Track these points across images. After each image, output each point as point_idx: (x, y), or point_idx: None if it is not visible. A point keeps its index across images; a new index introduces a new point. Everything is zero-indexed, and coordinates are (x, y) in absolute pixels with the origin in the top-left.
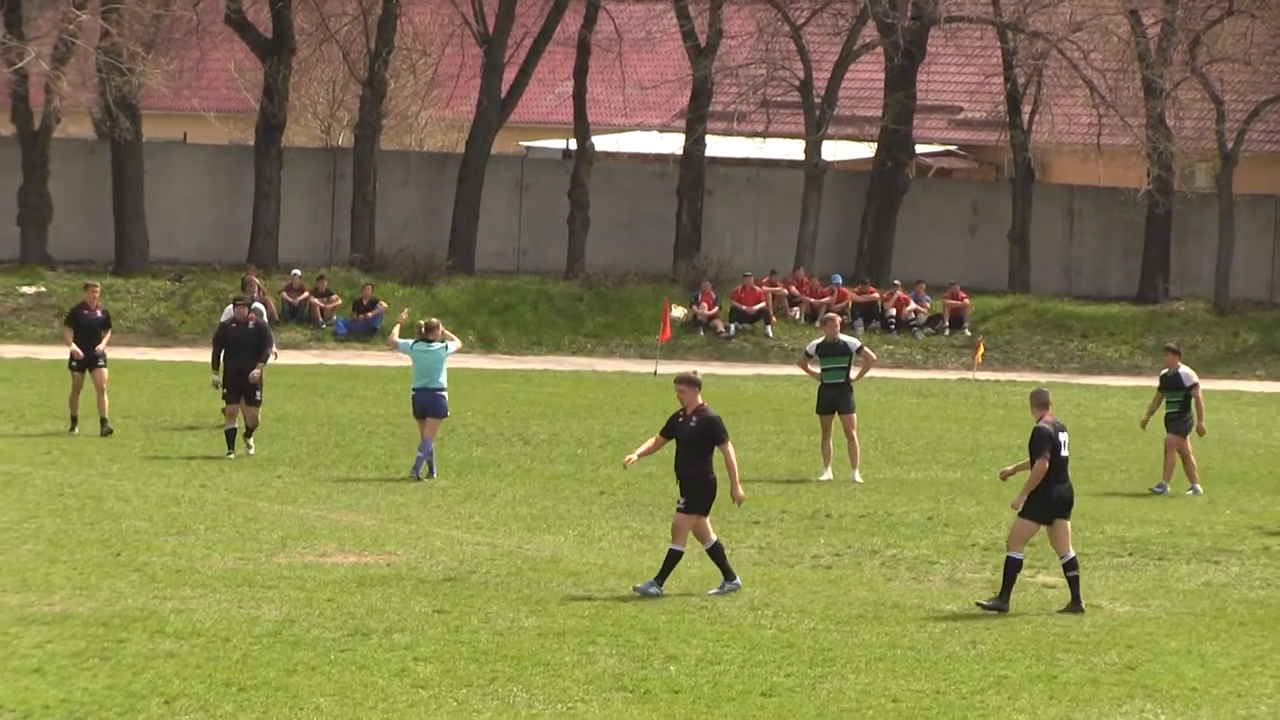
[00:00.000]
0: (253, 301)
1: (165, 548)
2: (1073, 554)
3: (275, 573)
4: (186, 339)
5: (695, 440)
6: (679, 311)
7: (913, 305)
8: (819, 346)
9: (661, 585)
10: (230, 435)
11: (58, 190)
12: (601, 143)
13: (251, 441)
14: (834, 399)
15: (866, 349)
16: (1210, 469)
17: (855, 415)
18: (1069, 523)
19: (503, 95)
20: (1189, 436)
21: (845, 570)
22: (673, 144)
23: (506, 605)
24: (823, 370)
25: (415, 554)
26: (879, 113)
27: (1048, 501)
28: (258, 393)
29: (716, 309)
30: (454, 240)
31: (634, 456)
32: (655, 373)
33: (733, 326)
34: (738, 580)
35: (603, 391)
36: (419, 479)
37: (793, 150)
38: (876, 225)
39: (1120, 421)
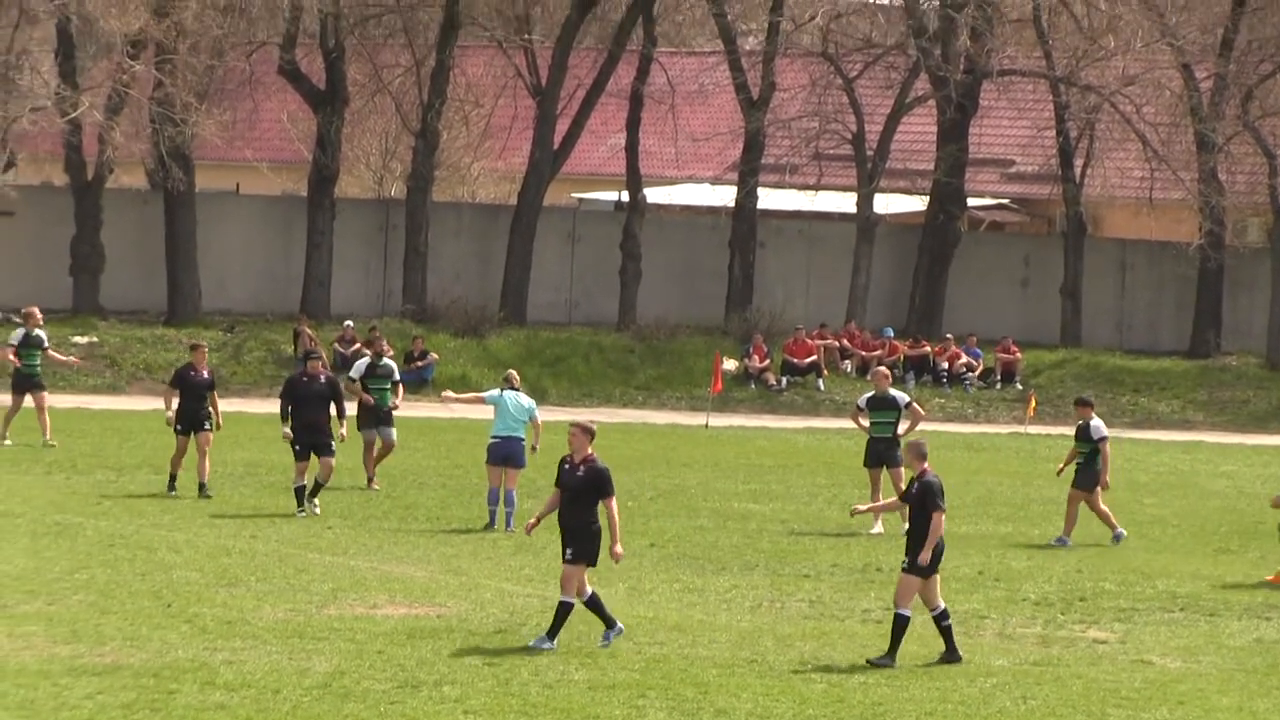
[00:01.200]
0: (315, 354)
1: (216, 599)
2: (943, 605)
3: (326, 624)
4: (238, 389)
5: (581, 490)
6: (730, 364)
7: (964, 359)
8: (869, 400)
9: (554, 640)
10: (299, 492)
11: (111, 240)
12: (654, 195)
13: (317, 501)
14: (882, 452)
15: (915, 404)
16: (1262, 524)
17: (903, 469)
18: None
19: (555, 147)
20: (1096, 489)
21: None
22: (725, 196)
23: (556, 658)
24: (871, 424)
25: (466, 606)
26: (931, 166)
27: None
28: (332, 444)
29: (768, 362)
30: (506, 291)
31: (534, 521)
32: (706, 425)
33: (784, 379)
34: (620, 626)
35: (653, 444)
36: (494, 529)
37: (845, 203)
38: (928, 278)
39: (1171, 476)
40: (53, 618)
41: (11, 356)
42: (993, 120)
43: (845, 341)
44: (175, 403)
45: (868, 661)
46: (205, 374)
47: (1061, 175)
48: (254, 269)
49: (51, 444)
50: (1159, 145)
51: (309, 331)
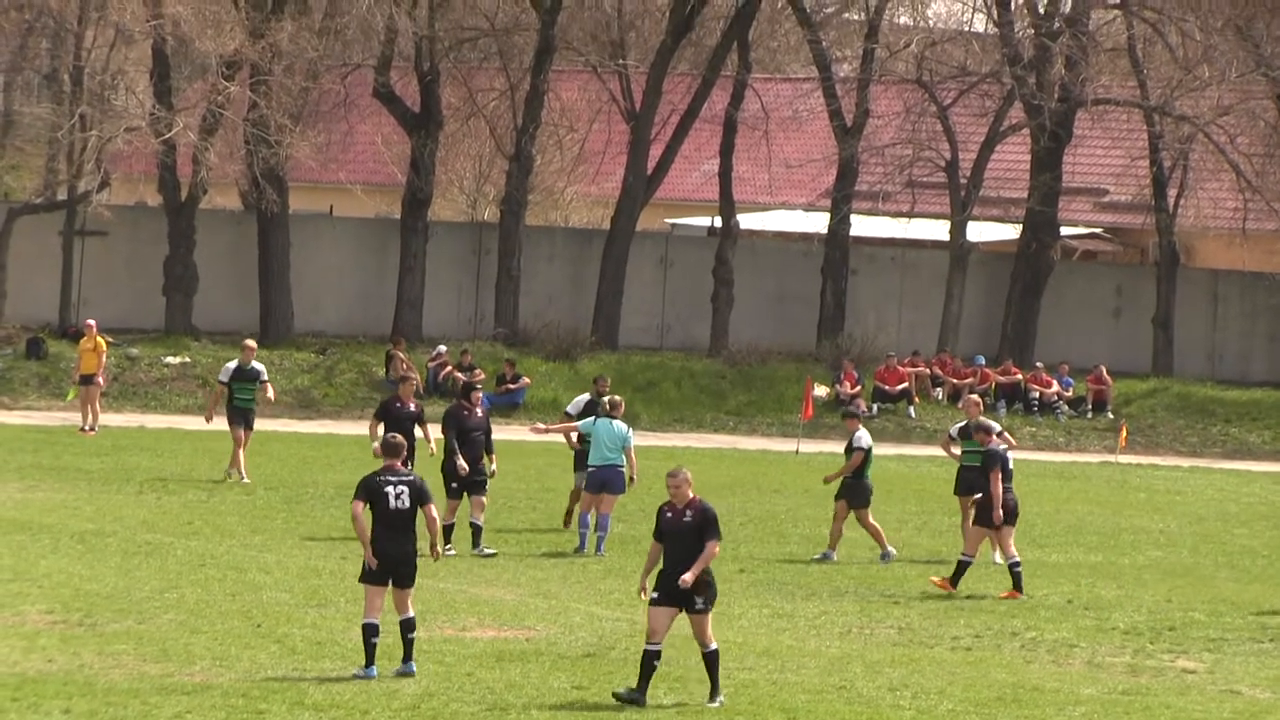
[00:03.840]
0: (475, 386)
1: (306, 620)
2: (714, 645)
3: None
4: (330, 411)
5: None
6: (821, 390)
7: (1056, 387)
8: (961, 429)
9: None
10: (448, 530)
11: (204, 261)
12: (746, 220)
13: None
14: (973, 481)
15: (1006, 434)
16: None
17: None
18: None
19: (649, 172)
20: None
21: (985, 652)
22: (818, 222)
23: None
24: (963, 452)
25: (555, 629)
26: (1024, 194)
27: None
28: (486, 482)
29: (859, 388)
30: (598, 316)
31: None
32: (797, 451)
33: (875, 406)
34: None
35: (744, 469)
36: (584, 552)
37: (938, 230)
38: (1020, 307)
39: (1263, 507)
40: (143, 636)
41: (220, 394)
42: (1086, 149)
43: (937, 369)
44: (380, 432)
45: (614, 695)
46: (411, 407)
47: (1154, 205)
48: (347, 291)
49: (245, 481)
50: (1252, 176)
51: (402, 355)
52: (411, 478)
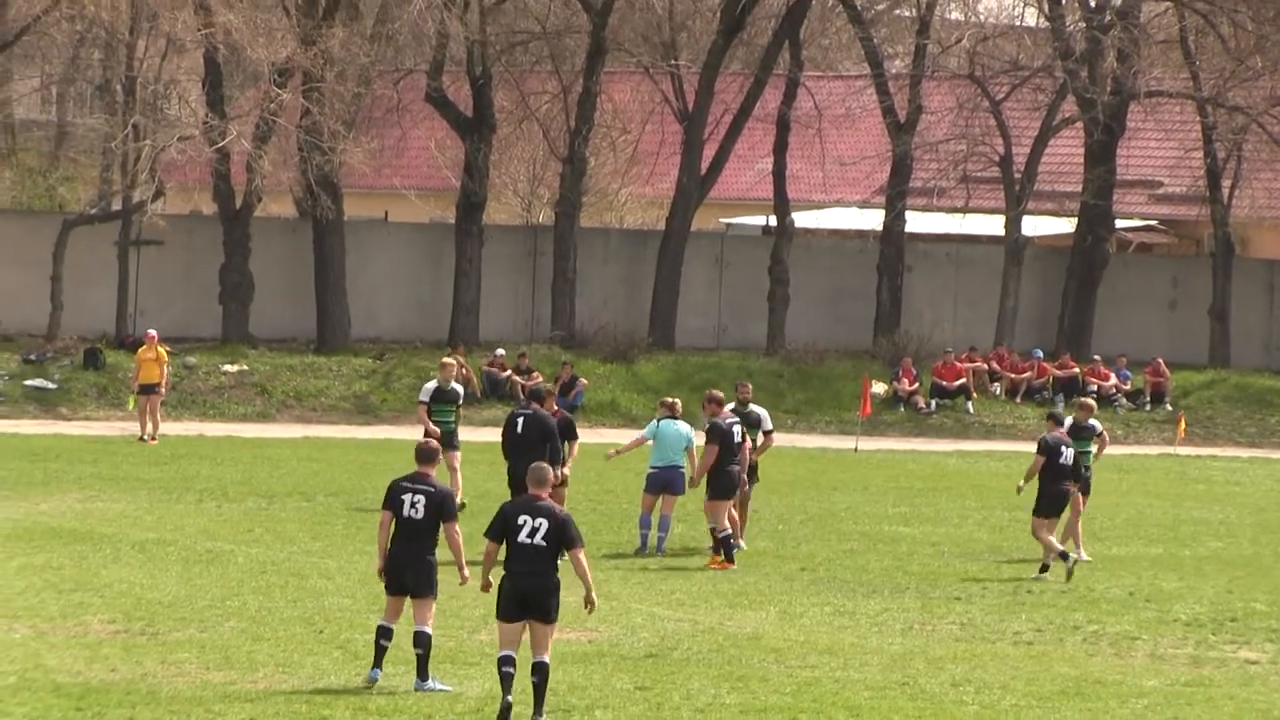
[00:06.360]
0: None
1: (368, 625)
2: (546, 660)
3: (477, 649)
4: (388, 417)
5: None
6: (879, 387)
7: (1113, 380)
8: (1072, 429)
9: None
10: None
11: (259, 268)
12: (801, 219)
13: None
14: (1085, 480)
15: (1105, 433)
16: None
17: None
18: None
19: (702, 172)
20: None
21: (1047, 646)
22: (872, 220)
23: (708, 682)
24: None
25: (617, 630)
26: (1079, 188)
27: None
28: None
29: (917, 385)
30: (654, 317)
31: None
32: (856, 449)
33: (933, 402)
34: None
35: (803, 467)
36: (645, 553)
37: (993, 225)
38: (1077, 300)
39: None
40: (205, 644)
41: (424, 414)
42: (1140, 142)
43: (994, 364)
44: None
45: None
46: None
47: (1209, 196)
48: (402, 296)
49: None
50: None
51: (460, 359)
52: (433, 489)
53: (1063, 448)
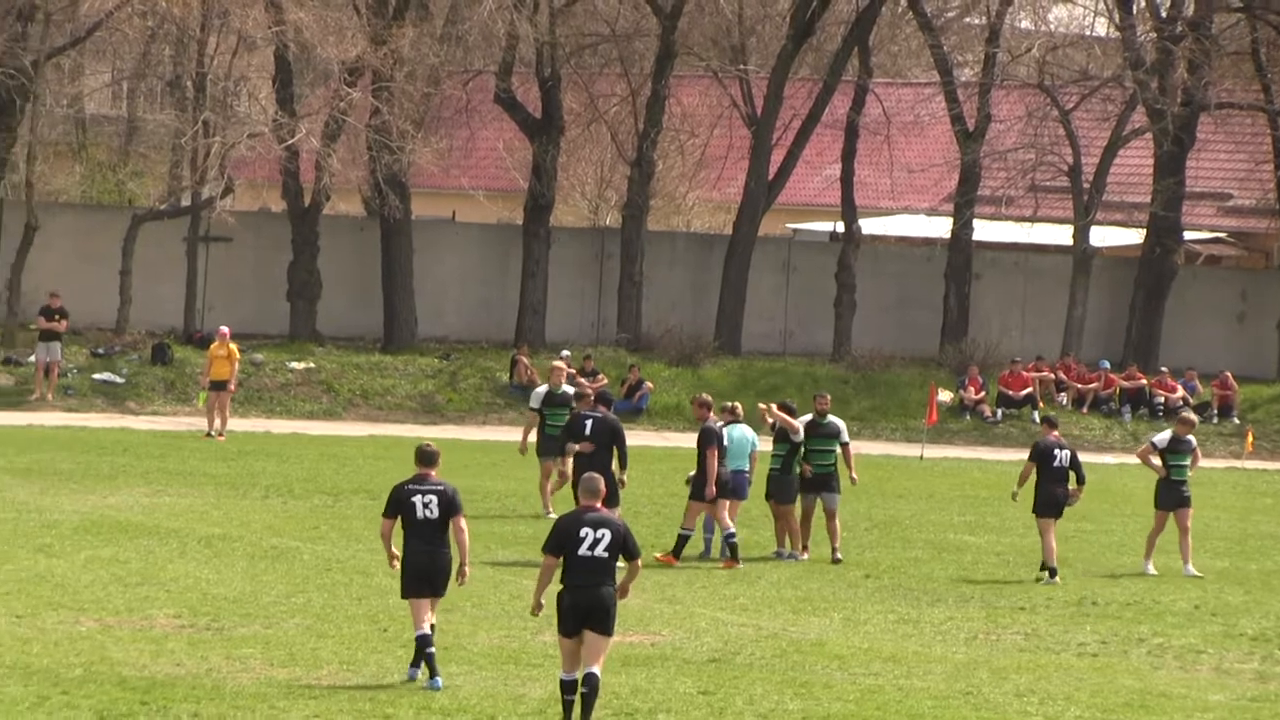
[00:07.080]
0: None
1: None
2: (598, 671)
3: (541, 651)
4: (454, 416)
5: None
6: (945, 395)
7: (1180, 392)
8: (1171, 442)
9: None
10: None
11: (327, 267)
12: (868, 225)
13: None
14: (1184, 495)
15: (1198, 449)
16: None
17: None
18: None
19: (770, 177)
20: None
21: (1111, 658)
22: (940, 227)
23: (771, 688)
24: (1171, 466)
25: (680, 634)
26: (1148, 199)
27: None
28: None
29: (983, 393)
30: (720, 321)
31: None
32: (921, 456)
33: (999, 411)
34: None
35: (868, 475)
36: (709, 557)
37: (1061, 235)
38: (1144, 311)
39: None
40: (270, 641)
41: (536, 421)
42: (1210, 153)
43: (1061, 374)
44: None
45: None
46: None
47: (1279, 209)
48: (469, 296)
49: (551, 515)
50: None
51: (526, 360)
52: (442, 486)
53: (1055, 451)
